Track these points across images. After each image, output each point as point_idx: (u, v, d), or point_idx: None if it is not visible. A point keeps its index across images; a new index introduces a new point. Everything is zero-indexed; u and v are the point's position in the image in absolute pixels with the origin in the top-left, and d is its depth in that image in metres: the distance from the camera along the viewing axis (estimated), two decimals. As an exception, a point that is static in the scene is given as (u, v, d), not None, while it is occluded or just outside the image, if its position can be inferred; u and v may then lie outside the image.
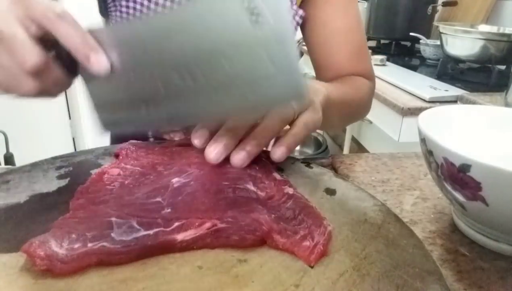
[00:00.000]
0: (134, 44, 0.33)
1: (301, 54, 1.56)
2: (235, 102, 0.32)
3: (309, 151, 1.95)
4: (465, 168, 0.31)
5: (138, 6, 0.52)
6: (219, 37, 0.30)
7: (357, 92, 0.57)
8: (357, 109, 0.60)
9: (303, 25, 0.61)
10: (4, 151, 1.44)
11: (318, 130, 2.11)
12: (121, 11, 0.53)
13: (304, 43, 0.65)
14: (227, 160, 0.35)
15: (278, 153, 0.35)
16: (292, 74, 0.30)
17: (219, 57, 0.30)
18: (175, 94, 0.33)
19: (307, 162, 0.41)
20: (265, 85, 0.30)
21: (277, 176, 0.35)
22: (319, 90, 0.43)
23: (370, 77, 0.63)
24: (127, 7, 0.52)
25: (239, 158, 0.34)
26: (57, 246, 0.25)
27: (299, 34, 0.65)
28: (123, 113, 0.37)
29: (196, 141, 0.36)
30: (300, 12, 0.57)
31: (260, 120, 0.36)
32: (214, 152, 0.34)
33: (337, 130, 1.69)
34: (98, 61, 0.32)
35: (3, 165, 1.37)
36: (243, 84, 0.31)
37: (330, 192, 0.36)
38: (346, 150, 1.76)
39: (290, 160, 0.41)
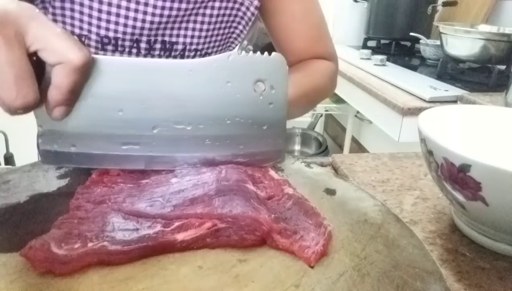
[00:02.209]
0: (140, 80, 0.32)
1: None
2: (225, 153, 0.35)
3: (309, 151, 1.95)
4: (465, 168, 0.31)
5: (76, 7, 0.46)
6: (227, 99, 0.34)
7: (313, 78, 0.58)
8: (315, 96, 0.62)
9: (263, 14, 0.62)
10: (4, 151, 1.44)
11: (317, 131, 2.11)
12: (54, 14, 0.48)
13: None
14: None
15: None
16: (278, 141, 0.36)
17: (223, 113, 0.34)
18: (169, 137, 0.34)
19: (307, 162, 0.41)
20: (254, 143, 0.36)
21: (275, 175, 0.36)
22: None
23: (331, 57, 0.63)
24: (63, 8, 0.47)
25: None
26: (57, 247, 0.25)
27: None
28: (87, 147, 0.33)
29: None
30: (256, 2, 0.59)
31: None
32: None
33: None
34: (60, 113, 0.30)
35: (3, 165, 1.37)
36: (237, 138, 0.35)
37: (330, 192, 0.36)
38: (346, 150, 1.77)
39: (290, 160, 0.41)
